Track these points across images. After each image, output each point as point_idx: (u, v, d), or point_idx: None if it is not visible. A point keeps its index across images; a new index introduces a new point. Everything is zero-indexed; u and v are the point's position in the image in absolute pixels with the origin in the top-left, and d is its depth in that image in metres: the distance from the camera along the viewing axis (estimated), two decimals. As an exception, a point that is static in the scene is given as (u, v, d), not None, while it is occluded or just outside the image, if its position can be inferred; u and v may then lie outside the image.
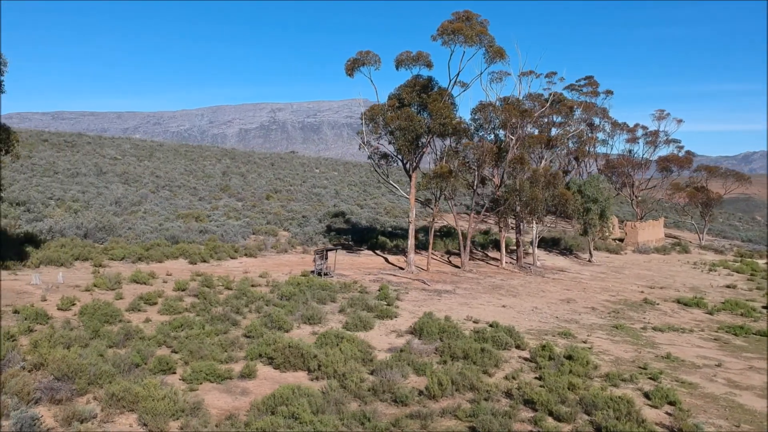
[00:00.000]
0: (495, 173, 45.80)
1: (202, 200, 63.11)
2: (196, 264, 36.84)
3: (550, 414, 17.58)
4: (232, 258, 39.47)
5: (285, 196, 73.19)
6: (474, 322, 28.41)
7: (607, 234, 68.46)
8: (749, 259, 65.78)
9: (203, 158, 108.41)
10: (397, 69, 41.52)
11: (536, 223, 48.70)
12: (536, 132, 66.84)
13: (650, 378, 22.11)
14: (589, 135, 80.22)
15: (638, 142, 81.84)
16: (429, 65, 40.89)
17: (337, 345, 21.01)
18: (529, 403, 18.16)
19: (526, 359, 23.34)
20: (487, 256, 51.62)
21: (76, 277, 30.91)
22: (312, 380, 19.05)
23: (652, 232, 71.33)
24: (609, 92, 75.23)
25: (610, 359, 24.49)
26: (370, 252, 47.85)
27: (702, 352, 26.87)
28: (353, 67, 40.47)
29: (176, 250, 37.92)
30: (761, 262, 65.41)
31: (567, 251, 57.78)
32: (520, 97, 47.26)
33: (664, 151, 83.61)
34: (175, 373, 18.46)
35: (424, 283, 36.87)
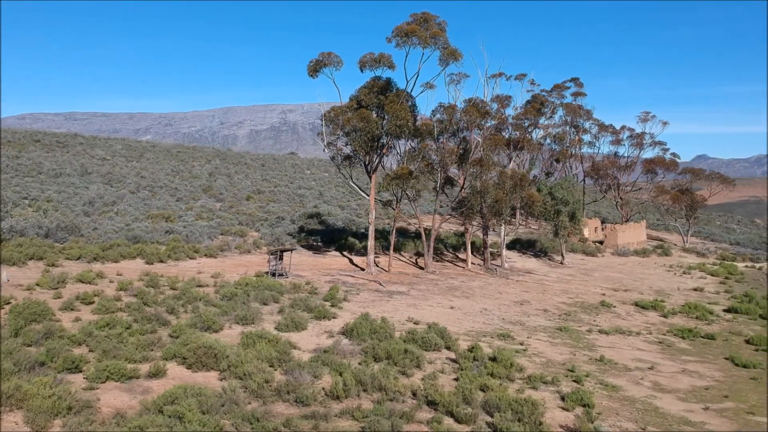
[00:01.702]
0: (460, 175, 45.71)
1: (179, 201, 63.32)
2: (152, 264, 36.96)
3: (451, 415, 17.56)
4: (191, 258, 39.58)
5: (267, 197, 73.32)
6: (414, 323, 28.38)
7: (585, 236, 68.28)
8: (729, 263, 65.39)
9: (193, 159, 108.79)
10: (361, 71, 41.54)
11: (504, 224, 48.56)
12: (516, 134, 66.87)
13: (574, 381, 22.03)
14: (573, 137, 79.93)
15: (623, 144, 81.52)
16: (391, 66, 40.84)
17: (254, 345, 21.04)
18: (433, 404, 18.14)
19: (452, 360, 23.30)
20: (457, 257, 51.52)
21: (25, 277, 31.08)
22: (221, 380, 19.07)
23: (633, 234, 71.03)
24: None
25: (541, 361, 24.42)
26: (338, 253, 47.87)
27: (640, 354, 26.75)
28: (315, 68, 40.53)
29: (134, 250, 38.07)
30: (740, 265, 65.00)
31: (542, 253, 57.62)
32: (487, 99, 47.17)
33: (650, 153, 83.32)
34: (81, 371, 18.54)
35: (380, 284, 36.86)
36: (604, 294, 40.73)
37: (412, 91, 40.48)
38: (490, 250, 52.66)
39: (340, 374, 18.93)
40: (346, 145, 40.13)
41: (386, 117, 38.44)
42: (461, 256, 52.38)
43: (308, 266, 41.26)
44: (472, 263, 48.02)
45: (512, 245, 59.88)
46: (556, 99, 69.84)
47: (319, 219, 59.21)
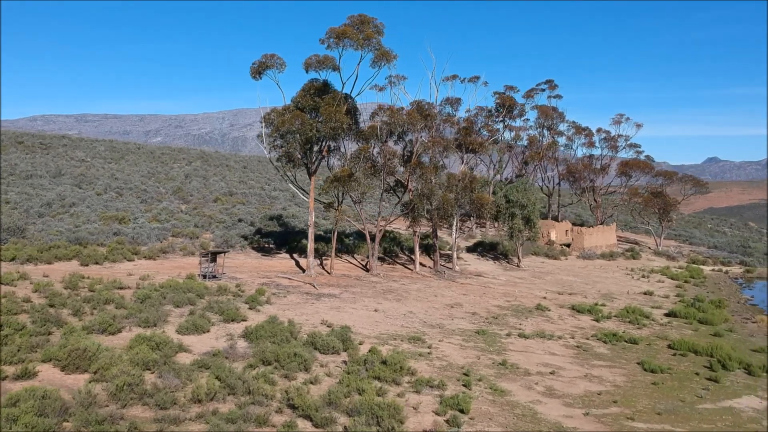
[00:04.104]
0: (406, 176, 45.53)
1: (144, 202, 63.37)
2: (87, 266, 36.92)
3: (309, 419, 17.45)
4: (128, 260, 39.51)
5: (237, 199, 73.28)
6: (328, 326, 28.23)
7: (553, 239, 68.01)
8: (698, 266, 65.06)
9: (174, 161, 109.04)
10: (306, 71, 41.44)
11: (456, 226, 48.37)
12: (486, 133, 66.69)
13: (464, 385, 21.87)
14: (547, 139, 79.73)
15: (596, 147, 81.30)
16: (336, 68, 40.75)
17: (133, 348, 20.97)
18: (295, 407, 18.03)
19: (347, 363, 23.17)
20: (411, 260, 51.32)
21: (-52, 278, 31.04)
22: (91, 382, 18.98)
23: (602, 237, 70.70)
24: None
25: (440, 365, 24.25)
26: (287, 255, 47.78)
27: (550, 359, 26.53)
28: (259, 70, 40.43)
29: (71, 251, 38.05)
30: (708, 268, 64.70)
31: (502, 256, 57.38)
32: (436, 101, 47.02)
33: (624, 155, 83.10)
34: (-54, 373, 18.47)
35: (314, 286, 36.75)
36: (545, 297, 40.51)
37: (351, 92, 40.55)
38: (448, 252, 52.52)
39: (214, 377, 18.84)
40: (281, 147, 40.03)
41: (321, 119, 38.32)
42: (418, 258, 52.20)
43: (250, 268, 41.17)
44: (422, 265, 47.88)
45: (474, 248, 59.74)
46: (527, 101, 69.65)
47: (279, 221, 59.14)
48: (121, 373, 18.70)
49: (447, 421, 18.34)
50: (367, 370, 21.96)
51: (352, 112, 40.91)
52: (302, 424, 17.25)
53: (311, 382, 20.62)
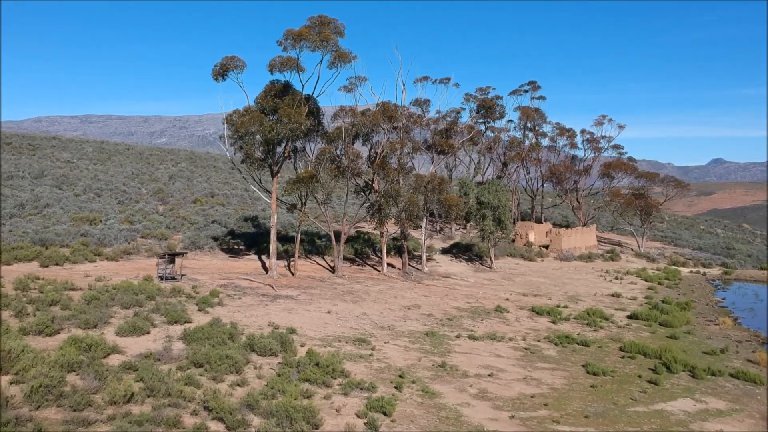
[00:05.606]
0: (374, 179, 45.49)
1: (121, 203, 63.36)
2: (47, 267, 36.89)
3: (222, 421, 17.41)
4: (90, 261, 39.45)
5: (217, 200, 73.23)
6: (274, 328, 28.19)
7: (531, 240, 67.95)
8: (676, 268, 64.98)
9: (161, 162, 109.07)
10: (271, 73, 41.41)
11: (425, 228, 48.32)
12: (465, 135, 66.64)
13: (395, 387, 21.81)
14: (529, 141, 79.71)
15: (579, 148, 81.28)
16: (300, 69, 40.76)
17: (61, 348, 20.96)
18: (209, 410, 17.98)
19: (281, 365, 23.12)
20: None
21: None
22: (12, 384, 18.97)
23: (581, 238, 70.60)
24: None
25: (378, 366, 24.19)
26: (255, 257, 47.73)
27: (493, 361, 26.46)
28: (221, 72, 40.43)
29: (32, 252, 38.03)
30: (686, 270, 64.65)
31: (477, 258, 57.30)
32: (403, 103, 46.98)
33: (608, 155, 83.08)
34: None
35: (272, 288, 36.72)
36: (508, 299, 40.42)
37: (313, 93, 40.51)
38: (423, 254, 52.47)
39: (137, 379, 18.80)
40: (240, 148, 40.02)
41: (281, 120, 38.29)
42: (390, 260, 52.15)
43: (214, 269, 41.13)
44: (391, 266, 47.80)
45: (449, 249, 59.69)
46: (499, 101, 69.64)
47: (254, 222, 59.10)
48: (40, 375, 18.67)
49: (365, 423, 18.28)
50: (299, 372, 21.92)
51: (315, 113, 40.93)
52: (215, 426, 17.22)
53: (239, 385, 20.57)
